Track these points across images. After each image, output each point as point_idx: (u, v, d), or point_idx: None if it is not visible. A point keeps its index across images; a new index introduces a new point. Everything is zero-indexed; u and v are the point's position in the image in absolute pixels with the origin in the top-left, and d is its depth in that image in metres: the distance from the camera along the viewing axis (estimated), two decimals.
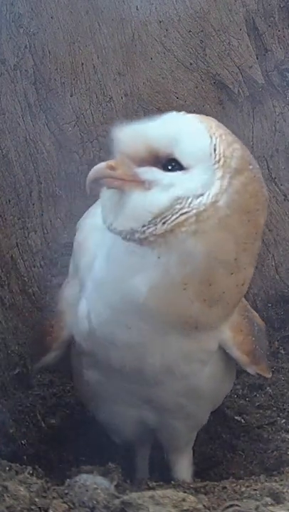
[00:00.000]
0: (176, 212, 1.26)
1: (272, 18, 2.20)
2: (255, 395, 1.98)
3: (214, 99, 2.17)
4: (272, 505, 1.18)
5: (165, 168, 1.31)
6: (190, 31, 2.12)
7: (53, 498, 1.18)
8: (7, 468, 1.30)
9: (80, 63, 2.07)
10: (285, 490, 1.23)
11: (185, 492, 1.23)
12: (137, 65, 2.11)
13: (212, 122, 1.34)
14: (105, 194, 1.37)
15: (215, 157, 1.28)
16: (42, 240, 2.07)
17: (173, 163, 1.30)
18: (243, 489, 1.28)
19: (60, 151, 2.07)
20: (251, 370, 1.50)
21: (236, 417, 1.91)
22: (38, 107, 2.05)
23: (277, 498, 1.21)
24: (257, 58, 2.18)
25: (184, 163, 1.30)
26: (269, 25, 2.20)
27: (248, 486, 1.29)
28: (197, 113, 2.11)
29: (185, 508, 1.15)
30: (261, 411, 1.94)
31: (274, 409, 1.94)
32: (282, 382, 2.02)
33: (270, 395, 1.98)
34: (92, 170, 1.36)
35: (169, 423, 1.51)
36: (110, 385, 1.46)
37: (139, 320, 1.33)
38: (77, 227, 1.55)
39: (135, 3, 2.08)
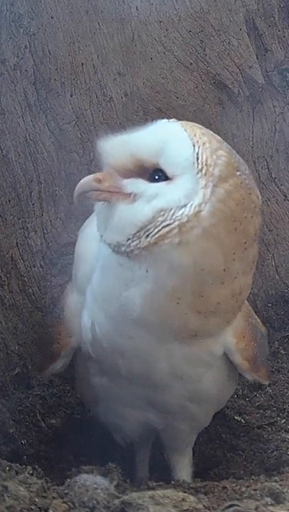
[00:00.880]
0: (159, 225, 1.26)
1: (272, 18, 2.20)
2: (255, 395, 1.98)
3: (214, 99, 2.17)
4: (272, 505, 1.18)
5: (151, 179, 1.30)
6: (190, 31, 2.12)
7: (53, 498, 1.18)
8: (7, 468, 1.30)
9: (80, 63, 2.07)
10: (285, 490, 1.23)
11: (185, 492, 1.23)
12: (137, 65, 2.11)
13: (196, 130, 1.32)
14: (98, 206, 1.36)
15: (198, 166, 1.27)
16: (42, 240, 2.06)
17: (159, 174, 1.30)
18: (243, 489, 1.28)
19: (60, 151, 2.07)
20: (250, 376, 1.50)
21: (236, 417, 1.91)
22: (38, 107, 2.05)
23: (277, 498, 1.21)
24: (257, 58, 2.18)
25: (168, 173, 1.29)
26: (269, 25, 2.20)
27: (248, 486, 1.29)
28: (197, 113, 2.12)
29: (185, 508, 1.15)
30: (261, 411, 1.94)
31: (274, 409, 1.94)
32: (282, 382, 2.02)
33: (270, 395, 1.98)
34: (79, 183, 1.34)
35: (173, 425, 1.52)
36: (117, 389, 1.46)
37: (139, 330, 1.33)
38: (78, 236, 1.55)
39: (135, 3, 2.07)
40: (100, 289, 1.38)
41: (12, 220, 2.04)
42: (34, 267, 2.05)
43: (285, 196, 2.25)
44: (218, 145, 1.31)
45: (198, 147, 1.28)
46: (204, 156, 1.27)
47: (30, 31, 2.03)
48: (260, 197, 1.33)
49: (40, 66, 2.04)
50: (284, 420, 1.89)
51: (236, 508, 1.17)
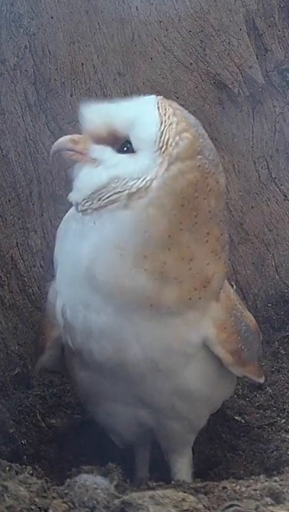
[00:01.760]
0: (111, 191, 1.36)
1: (272, 18, 2.20)
2: (255, 395, 1.98)
3: (214, 99, 2.17)
4: (272, 505, 1.18)
5: (120, 150, 1.40)
6: (190, 31, 2.13)
7: (53, 498, 1.18)
8: (7, 468, 1.30)
9: (80, 63, 2.07)
10: (285, 490, 1.23)
11: (185, 492, 1.23)
12: (137, 65, 2.11)
13: (169, 109, 1.39)
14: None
15: (159, 143, 1.35)
16: (42, 240, 2.06)
17: (128, 146, 1.39)
18: (243, 489, 1.28)
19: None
20: (236, 371, 1.50)
21: (236, 417, 1.91)
22: (38, 107, 2.05)
23: (277, 498, 1.21)
24: (257, 58, 2.18)
25: (134, 146, 1.38)
26: (269, 25, 2.20)
27: (248, 486, 1.29)
28: (197, 113, 2.12)
29: (185, 508, 1.15)
30: (261, 411, 1.94)
31: (274, 409, 1.94)
32: (282, 382, 2.02)
33: (270, 395, 1.98)
34: (56, 142, 1.46)
35: (165, 423, 1.52)
36: (101, 384, 1.47)
37: (96, 295, 1.38)
38: None
39: (135, 3, 2.08)
40: (63, 255, 1.47)
41: (12, 220, 2.04)
42: (34, 267, 2.05)
43: (285, 196, 2.25)
44: (186, 127, 1.37)
45: (164, 126, 1.36)
46: (167, 136, 1.35)
47: (30, 31, 2.03)
48: (221, 182, 1.41)
49: (40, 66, 2.04)
50: (284, 420, 1.89)
51: (236, 508, 1.17)
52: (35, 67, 2.04)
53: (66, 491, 1.19)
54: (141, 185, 1.34)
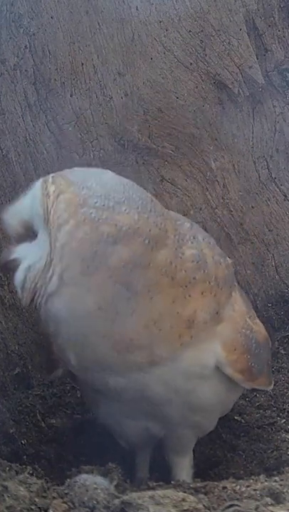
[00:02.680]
0: (30, 281, 1.35)
1: (272, 18, 2.20)
2: (255, 395, 1.98)
3: (214, 99, 2.17)
4: (272, 505, 1.18)
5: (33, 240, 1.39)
6: (190, 31, 2.12)
7: (53, 498, 1.18)
8: (7, 468, 1.30)
9: (80, 63, 2.07)
10: (285, 490, 1.23)
11: (185, 492, 1.23)
12: (137, 65, 2.11)
13: (49, 182, 1.36)
14: None
15: (44, 217, 1.33)
16: None
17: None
18: (243, 489, 1.28)
19: (60, 151, 2.07)
20: (247, 386, 1.51)
21: (236, 417, 1.90)
22: (38, 107, 2.05)
23: (277, 498, 1.21)
24: (257, 58, 2.18)
25: (36, 231, 1.37)
26: (269, 25, 2.20)
27: (248, 486, 1.29)
28: (197, 113, 2.13)
29: (185, 508, 1.15)
30: (261, 411, 1.93)
31: (274, 409, 1.94)
32: (282, 382, 2.02)
33: (270, 395, 1.98)
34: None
35: (176, 431, 1.52)
36: (115, 405, 1.47)
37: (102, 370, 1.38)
38: None
39: (135, 3, 2.07)
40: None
41: None
42: None
43: (285, 196, 2.25)
44: (63, 188, 1.33)
45: (44, 198, 1.34)
46: (47, 206, 1.32)
47: (30, 31, 2.03)
48: (121, 222, 1.30)
49: (40, 66, 2.04)
50: (284, 420, 1.89)
51: (236, 508, 1.16)
52: (35, 67, 2.04)
53: (66, 491, 1.19)
54: (42, 263, 1.32)
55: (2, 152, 2.04)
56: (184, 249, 1.37)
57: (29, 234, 1.40)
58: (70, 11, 2.05)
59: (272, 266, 2.25)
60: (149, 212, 1.35)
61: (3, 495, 1.14)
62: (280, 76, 2.21)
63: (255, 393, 1.99)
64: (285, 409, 1.93)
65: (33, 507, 1.14)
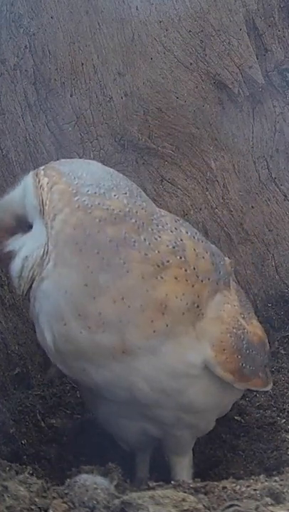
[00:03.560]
0: (26, 271, 1.41)
1: (272, 18, 2.20)
2: (255, 395, 1.98)
3: (214, 99, 2.17)
4: (272, 505, 1.18)
5: (27, 232, 1.45)
6: (190, 31, 2.12)
7: (53, 498, 1.18)
8: (7, 468, 1.30)
9: (80, 63, 2.07)
10: (285, 490, 1.23)
11: (185, 492, 1.23)
12: (137, 65, 2.11)
13: (41, 174, 1.43)
14: None
15: (39, 208, 1.40)
16: None
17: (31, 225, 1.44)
18: (243, 489, 1.27)
19: (60, 151, 2.07)
20: (240, 386, 1.51)
21: (236, 417, 1.90)
22: (38, 107, 2.05)
23: (277, 498, 1.21)
24: (257, 58, 2.18)
25: (31, 222, 1.44)
26: (269, 25, 2.20)
27: (248, 486, 1.29)
28: (197, 113, 2.13)
29: (185, 508, 1.15)
30: (261, 411, 1.93)
31: (274, 409, 1.94)
32: (282, 382, 2.02)
33: (270, 395, 1.98)
34: None
35: (173, 433, 1.52)
36: (110, 405, 1.48)
37: (81, 360, 1.40)
38: None
39: (135, 3, 2.07)
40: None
41: None
42: None
43: (285, 196, 2.25)
44: (56, 180, 1.40)
45: (38, 189, 1.41)
46: (42, 198, 1.39)
47: (30, 31, 2.03)
48: (114, 205, 1.37)
49: (40, 66, 2.04)
50: (284, 420, 1.89)
51: (236, 508, 1.16)
52: (35, 67, 2.04)
53: (66, 491, 1.19)
54: (41, 252, 1.37)
55: (2, 152, 2.04)
56: (162, 234, 1.40)
57: (21, 226, 1.46)
58: (70, 11, 2.05)
59: (272, 266, 2.25)
60: (136, 197, 1.42)
61: (3, 495, 1.14)
62: (280, 76, 2.21)
63: (255, 393, 1.99)
64: (285, 409, 1.93)
65: (33, 507, 1.14)
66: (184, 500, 1.17)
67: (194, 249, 1.43)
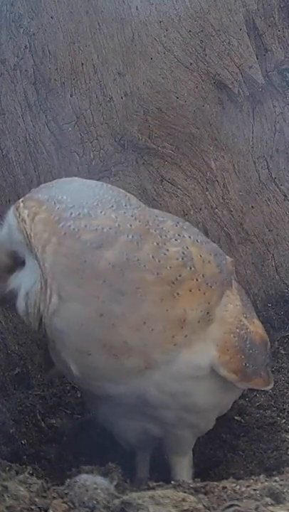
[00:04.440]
0: (32, 307, 1.37)
1: (272, 18, 2.20)
2: (255, 395, 1.98)
3: (214, 99, 2.17)
4: (272, 505, 1.18)
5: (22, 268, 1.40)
6: (190, 31, 2.12)
7: (53, 498, 1.18)
8: (7, 468, 1.31)
9: (80, 63, 2.07)
10: (285, 490, 1.23)
11: (185, 492, 1.23)
12: (137, 65, 2.11)
13: (20, 207, 1.36)
14: None
15: (26, 243, 1.34)
16: None
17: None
18: (243, 489, 1.27)
19: (60, 151, 2.07)
20: (242, 386, 1.51)
21: (236, 417, 1.91)
22: (38, 107, 2.05)
23: (277, 498, 1.21)
24: (257, 58, 2.18)
25: (22, 258, 1.38)
26: (269, 25, 2.20)
27: (248, 486, 1.29)
28: (197, 113, 2.12)
29: (185, 508, 1.15)
30: (261, 411, 1.93)
31: (274, 409, 1.94)
32: (282, 382, 2.02)
33: (270, 395, 1.98)
34: None
35: (174, 432, 1.52)
36: (113, 407, 1.47)
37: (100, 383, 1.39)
38: None
39: (135, 3, 2.07)
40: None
41: None
42: None
43: (285, 196, 2.25)
44: (37, 209, 1.33)
45: (22, 225, 1.34)
46: (26, 231, 1.33)
47: (30, 31, 2.03)
48: (101, 225, 1.30)
49: (40, 66, 2.04)
50: (284, 420, 1.89)
51: (236, 508, 1.16)
52: (35, 67, 2.04)
53: (66, 491, 1.19)
54: (38, 286, 1.33)
55: (2, 152, 2.04)
56: (168, 246, 1.35)
57: (17, 262, 1.40)
58: (70, 11, 2.05)
59: (272, 266, 2.25)
60: (125, 207, 1.35)
61: (3, 495, 1.14)
62: (280, 76, 2.21)
63: (255, 393, 1.99)
64: (285, 409, 1.93)
65: (33, 507, 1.14)
66: (184, 500, 1.17)
67: (200, 256, 1.41)
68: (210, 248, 1.47)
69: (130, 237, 1.31)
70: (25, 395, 1.92)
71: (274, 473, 1.55)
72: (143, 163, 2.14)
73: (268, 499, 1.20)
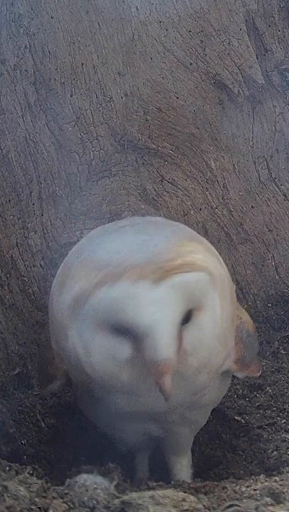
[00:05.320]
0: None
1: (272, 18, 2.20)
2: (255, 395, 1.98)
3: (214, 99, 2.17)
4: (272, 505, 1.18)
5: None
6: (190, 31, 2.12)
7: (53, 498, 1.18)
8: (7, 468, 1.30)
9: (80, 63, 2.07)
10: (285, 490, 1.23)
11: (185, 492, 1.23)
12: (137, 65, 2.11)
13: None
14: None
15: None
16: (42, 240, 2.06)
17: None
18: (243, 489, 1.28)
19: (60, 151, 2.07)
20: (240, 375, 1.52)
21: (236, 417, 1.90)
22: (38, 107, 2.05)
23: (277, 498, 1.21)
24: (257, 58, 2.18)
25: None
26: (269, 25, 2.20)
27: (248, 486, 1.29)
28: (197, 113, 2.13)
29: (185, 508, 1.15)
30: (261, 411, 1.93)
31: (274, 409, 1.94)
32: (282, 382, 2.02)
33: (270, 395, 1.98)
34: None
35: (174, 430, 1.52)
36: (114, 412, 1.46)
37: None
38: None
39: (135, 3, 2.07)
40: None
41: (12, 220, 2.04)
42: (34, 267, 2.05)
43: (285, 196, 2.25)
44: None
45: None
46: None
47: (30, 31, 2.03)
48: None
49: (40, 66, 2.04)
50: (284, 420, 1.89)
51: (236, 508, 1.16)
52: (35, 67, 2.04)
53: (66, 491, 1.19)
54: None
55: (2, 152, 2.04)
56: None
57: None
58: (70, 11, 2.05)
59: (272, 266, 2.25)
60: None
61: (3, 495, 1.14)
62: (280, 76, 2.21)
63: (255, 393, 1.99)
64: (285, 409, 1.93)
65: (33, 507, 1.14)
66: (184, 500, 1.17)
67: (225, 272, 1.43)
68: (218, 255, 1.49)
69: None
70: (25, 395, 1.92)
71: (274, 473, 1.55)
72: (143, 163, 2.14)
73: (268, 499, 1.20)
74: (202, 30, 2.13)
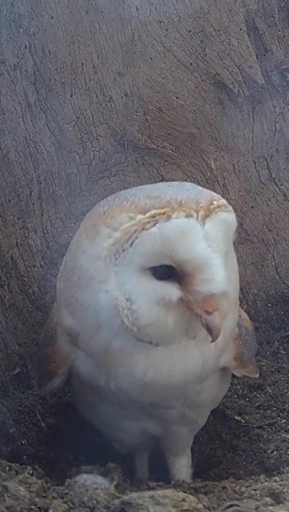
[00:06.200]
0: None
1: (272, 18, 2.20)
2: (255, 395, 1.98)
3: (214, 99, 2.17)
4: (272, 505, 1.18)
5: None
6: (190, 31, 2.12)
7: (53, 498, 1.18)
8: (7, 468, 1.30)
9: (80, 63, 2.07)
10: (285, 490, 1.23)
11: (185, 492, 1.23)
12: (137, 65, 2.11)
13: None
14: None
15: None
16: (42, 240, 2.07)
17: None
18: (243, 489, 1.28)
19: (60, 151, 2.07)
20: (239, 373, 1.51)
21: (236, 417, 1.91)
22: (38, 107, 2.06)
23: (277, 498, 1.21)
24: (257, 58, 2.18)
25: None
26: (269, 25, 2.20)
27: (248, 486, 1.29)
28: (197, 113, 2.12)
29: (185, 508, 1.15)
30: (261, 411, 1.93)
31: (274, 409, 1.94)
32: (282, 382, 2.02)
33: (270, 395, 1.98)
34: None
35: (174, 430, 1.52)
36: (114, 409, 1.46)
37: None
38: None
39: (135, 3, 2.07)
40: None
41: (12, 220, 2.04)
42: (34, 267, 2.05)
43: (285, 196, 2.25)
44: None
45: None
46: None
47: (30, 31, 2.03)
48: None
49: (40, 66, 2.04)
50: (284, 420, 1.89)
51: (236, 508, 1.16)
52: (35, 67, 2.04)
53: (66, 491, 1.19)
54: None
55: (2, 152, 2.04)
56: None
57: None
58: (70, 11, 2.05)
59: (272, 266, 2.25)
60: None
61: (3, 495, 1.14)
62: (280, 76, 2.21)
63: (255, 393, 1.99)
64: (285, 409, 1.93)
65: (33, 507, 1.14)
66: (184, 500, 1.17)
67: None
68: None
69: None
70: (25, 395, 1.92)
71: (274, 473, 1.55)
72: (143, 163, 2.14)
73: (268, 499, 1.20)
74: (202, 30, 2.13)
